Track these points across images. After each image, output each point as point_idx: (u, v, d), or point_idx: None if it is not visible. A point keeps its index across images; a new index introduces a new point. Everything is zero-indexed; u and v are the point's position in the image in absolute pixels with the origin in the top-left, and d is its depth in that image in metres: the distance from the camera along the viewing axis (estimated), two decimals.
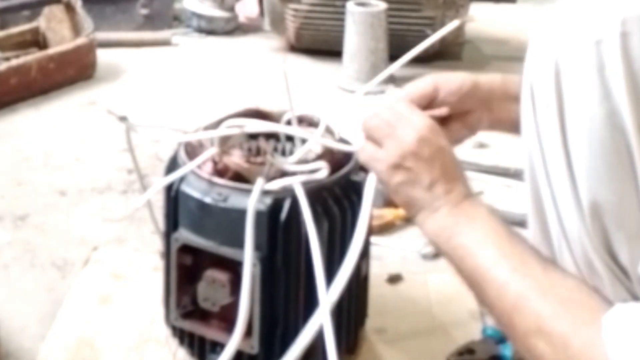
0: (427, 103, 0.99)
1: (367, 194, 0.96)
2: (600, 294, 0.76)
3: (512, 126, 1.00)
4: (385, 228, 1.49)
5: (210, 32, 2.72)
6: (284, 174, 0.99)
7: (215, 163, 1.02)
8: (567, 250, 0.80)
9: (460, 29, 2.42)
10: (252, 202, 0.94)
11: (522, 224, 1.49)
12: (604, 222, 0.74)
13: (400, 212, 1.51)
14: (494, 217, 0.88)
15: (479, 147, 1.86)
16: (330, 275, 0.97)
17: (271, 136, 1.12)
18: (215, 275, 1.00)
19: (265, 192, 0.96)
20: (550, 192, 0.80)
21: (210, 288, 1.01)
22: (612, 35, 0.71)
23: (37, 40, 2.34)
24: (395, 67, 1.13)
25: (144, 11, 2.70)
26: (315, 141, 1.05)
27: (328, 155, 1.04)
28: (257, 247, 0.96)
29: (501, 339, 1.16)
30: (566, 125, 0.75)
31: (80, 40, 2.22)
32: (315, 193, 0.99)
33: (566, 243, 0.79)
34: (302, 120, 1.12)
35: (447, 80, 1.01)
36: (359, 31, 2.21)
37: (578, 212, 0.76)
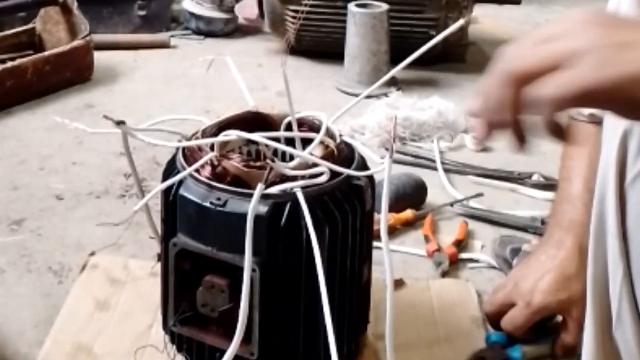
0: None
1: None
2: None
3: None
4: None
5: (209, 34, 2.71)
6: (284, 178, 0.98)
7: (214, 167, 1.00)
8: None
9: (463, 31, 2.41)
10: (252, 206, 0.92)
11: (525, 228, 1.50)
12: None
13: (402, 216, 1.50)
14: None
15: (483, 151, 1.86)
16: (331, 280, 0.96)
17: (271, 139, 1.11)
18: (214, 281, 0.99)
19: (265, 197, 0.95)
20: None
21: (209, 294, 1.00)
22: None
23: (33, 42, 2.33)
24: (398, 69, 1.11)
25: (142, 13, 2.69)
26: (308, 157, 1.03)
27: (329, 158, 1.02)
28: (257, 252, 0.94)
29: (507, 343, 1.14)
30: None
31: (77, 42, 2.21)
32: (316, 197, 0.98)
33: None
34: (303, 124, 1.11)
35: None
36: (360, 33, 2.20)
37: None
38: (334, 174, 1.01)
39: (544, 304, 1.11)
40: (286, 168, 0.99)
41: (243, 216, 0.93)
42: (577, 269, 1.08)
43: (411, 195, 1.56)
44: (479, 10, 2.57)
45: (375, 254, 1.12)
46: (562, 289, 1.10)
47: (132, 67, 2.41)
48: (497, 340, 1.16)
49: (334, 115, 1.13)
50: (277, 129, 1.12)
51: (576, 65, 0.58)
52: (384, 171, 0.99)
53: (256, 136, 1.03)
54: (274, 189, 0.96)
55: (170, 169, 1.05)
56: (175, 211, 1.02)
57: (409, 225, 1.51)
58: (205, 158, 1.01)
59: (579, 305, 1.06)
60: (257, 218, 0.93)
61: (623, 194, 0.75)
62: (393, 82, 2.17)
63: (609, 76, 0.58)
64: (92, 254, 1.39)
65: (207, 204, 0.97)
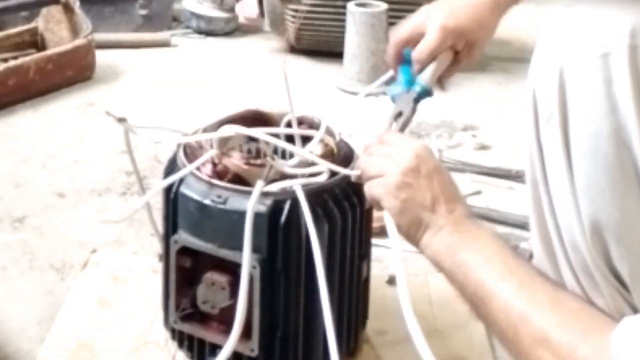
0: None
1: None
2: (607, 314, 0.75)
3: None
4: (386, 230, 1.47)
5: (209, 33, 2.71)
6: (284, 175, 0.99)
7: (214, 165, 1.01)
8: (566, 261, 0.79)
9: None
10: (252, 204, 0.93)
11: (523, 226, 1.50)
12: (604, 237, 0.73)
13: None
14: (499, 238, 0.87)
15: (481, 149, 1.86)
16: (330, 277, 0.97)
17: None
18: (214, 278, 1.00)
19: (265, 194, 0.96)
20: (550, 203, 0.79)
21: (210, 290, 1.00)
22: (620, 48, 0.70)
23: (35, 41, 2.33)
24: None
25: (143, 12, 2.69)
26: (307, 156, 1.03)
27: (329, 156, 1.03)
28: (257, 249, 0.95)
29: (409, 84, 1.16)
30: (569, 137, 0.74)
31: (79, 41, 2.21)
32: (316, 195, 0.98)
33: (565, 254, 0.78)
34: (302, 122, 1.12)
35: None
36: (359, 32, 2.20)
37: (578, 225, 0.75)
38: (333, 172, 1.01)
39: (459, 26, 1.10)
40: (286, 166, 1.00)
41: (243, 213, 0.93)
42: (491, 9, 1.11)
43: None
44: None
45: (373, 251, 1.13)
46: (475, 17, 1.11)
47: (134, 66, 2.41)
48: (396, 92, 1.16)
49: (334, 114, 1.13)
50: (277, 127, 1.13)
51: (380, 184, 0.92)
52: None
53: (255, 132, 1.04)
54: (274, 187, 0.97)
55: (172, 167, 1.06)
56: (176, 208, 1.02)
57: None
58: (206, 156, 1.01)
59: (489, 32, 1.12)
60: (257, 215, 0.94)
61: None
62: (392, 81, 2.17)
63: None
64: (94, 251, 1.40)
65: (208, 202, 0.98)
